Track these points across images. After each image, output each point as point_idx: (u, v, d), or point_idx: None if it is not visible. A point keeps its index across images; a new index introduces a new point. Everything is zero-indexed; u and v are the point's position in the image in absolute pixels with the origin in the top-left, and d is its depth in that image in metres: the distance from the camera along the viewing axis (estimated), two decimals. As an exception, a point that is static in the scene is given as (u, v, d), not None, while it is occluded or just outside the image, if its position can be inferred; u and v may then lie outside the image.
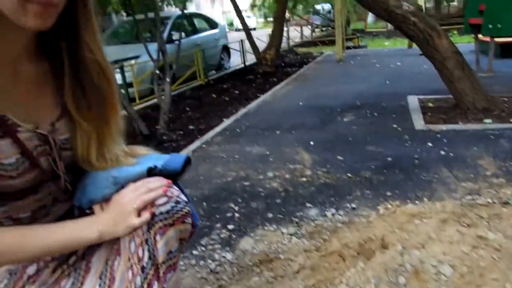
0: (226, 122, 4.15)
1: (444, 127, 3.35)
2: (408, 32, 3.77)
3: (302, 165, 2.77)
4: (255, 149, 3.20)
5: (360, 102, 4.49)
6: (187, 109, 5.17)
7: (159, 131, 3.94)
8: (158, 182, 0.84)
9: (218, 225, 2.05)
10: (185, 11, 8.07)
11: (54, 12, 0.69)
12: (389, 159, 2.76)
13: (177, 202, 0.83)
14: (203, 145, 3.45)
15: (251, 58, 9.24)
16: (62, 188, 0.86)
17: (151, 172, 0.87)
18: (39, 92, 0.82)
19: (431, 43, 3.63)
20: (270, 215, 2.11)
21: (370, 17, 18.14)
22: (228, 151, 3.22)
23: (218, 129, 3.94)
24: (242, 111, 4.61)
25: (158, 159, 0.93)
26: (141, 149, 1.01)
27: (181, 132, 4.13)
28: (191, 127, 4.29)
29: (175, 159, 0.92)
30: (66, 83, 0.82)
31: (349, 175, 2.55)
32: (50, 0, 0.65)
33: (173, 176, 0.89)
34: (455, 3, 20.58)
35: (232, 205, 2.27)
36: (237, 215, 2.15)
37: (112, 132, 0.90)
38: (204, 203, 2.31)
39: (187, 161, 0.91)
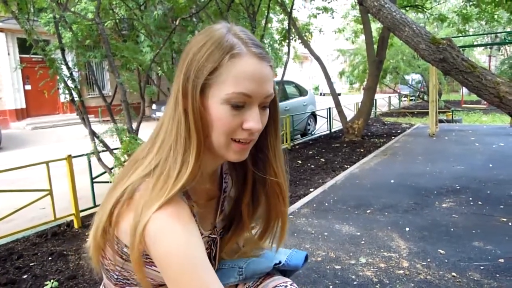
0: (313, 194, 4.12)
1: None
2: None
3: (398, 254, 2.59)
4: (344, 228, 3.09)
5: (459, 186, 4.15)
6: (273, 173, 5.26)
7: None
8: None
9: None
10: (277, 79, 8.52)
11: (251, 147, 0.78)
12: (501, 260, 2.46)
13: None
14: (290, 216, 3.43)
15: (336, 125, 9.28)
16: None
17: (276, 266, 0.95)
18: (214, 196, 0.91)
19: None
20: (365, 310, 1.97)
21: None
22: (317, 226, 3.16)
23: (305, 199, 3.91)
24: (329, 182, 4.55)
25: (281, 253, 1.01)
26: (264, 244, 1.07)
27: (268, 198, 4.19)
28: (277, 193, 4.33)
29: (297, 256, 1.00)
30: (246, 196, 0.90)
31: (454, 274, 2.31)
32: (251, 139, 0.74)
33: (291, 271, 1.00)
34: None
35: (323, 290, 2.18)
36: (328, 303, 2.04)
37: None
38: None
39: (306, 258, 1.02)
